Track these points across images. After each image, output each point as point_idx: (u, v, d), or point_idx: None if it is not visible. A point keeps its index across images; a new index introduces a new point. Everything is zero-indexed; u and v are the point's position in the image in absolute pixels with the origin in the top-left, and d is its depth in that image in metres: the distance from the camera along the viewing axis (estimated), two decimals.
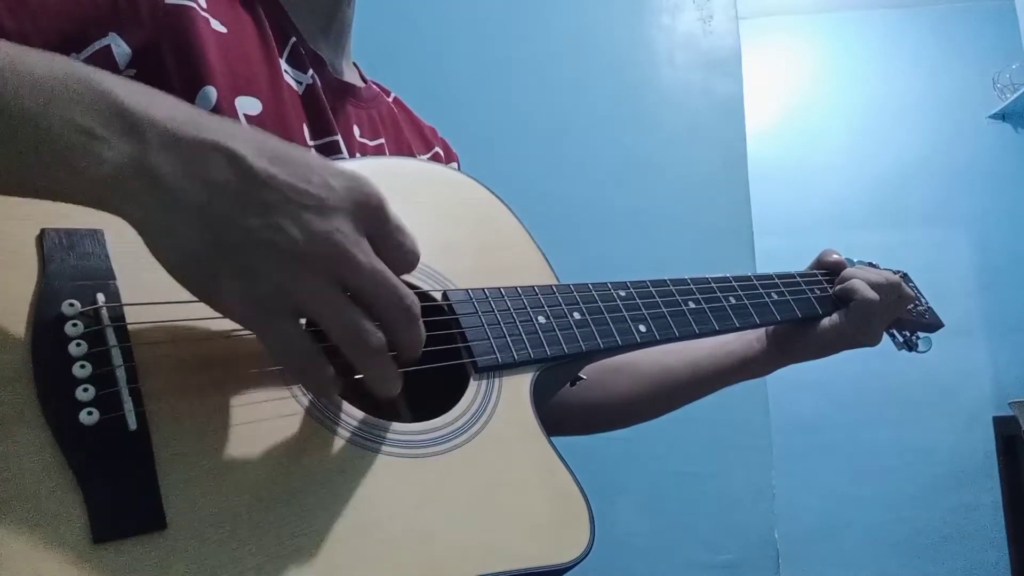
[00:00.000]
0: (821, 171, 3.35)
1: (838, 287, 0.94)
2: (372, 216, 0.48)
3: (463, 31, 1.84)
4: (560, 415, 0.89)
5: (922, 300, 1.06)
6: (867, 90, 3.41)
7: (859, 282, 0.93)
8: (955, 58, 3.37)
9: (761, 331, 0.96)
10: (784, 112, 3.42)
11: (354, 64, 0.89)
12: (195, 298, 0.46)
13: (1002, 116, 3.31)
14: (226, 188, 0.43)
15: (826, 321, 0.92)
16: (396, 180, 0.72)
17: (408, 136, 0.90)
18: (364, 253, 0.46)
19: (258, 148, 0.45)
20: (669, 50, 1.86)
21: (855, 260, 1.02)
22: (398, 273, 0.49)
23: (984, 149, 3.30)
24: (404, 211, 0.69)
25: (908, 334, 1.04)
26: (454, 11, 1.83)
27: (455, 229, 0.71)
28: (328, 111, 0.77)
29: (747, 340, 0.96)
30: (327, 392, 0.50)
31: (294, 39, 0.77)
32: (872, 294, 0.92)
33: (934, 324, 1.06)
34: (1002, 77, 3.25)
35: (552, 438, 0.63)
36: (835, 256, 0.98)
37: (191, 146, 0.43)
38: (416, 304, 0.49)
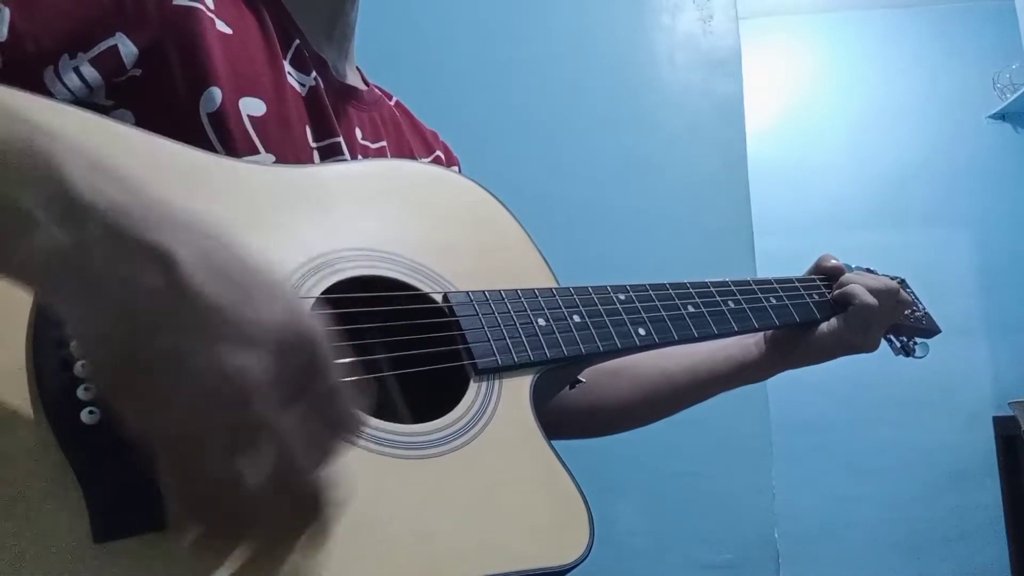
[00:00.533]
0: (821, 171, 3.35)
1: (836, 292, 0.95)
2: (302, 360, 0.42)
3: (463, 31, 1.84)
4: (559, 418, 0.88)
5: (919, 306, 1.07)
6: (867, 90, 3.41)
7: (858, 287, 0.93)
8: (955, 58, 3.37)
9: (760, 336, 0.96)
10: (784, 112, 3.42)
11: (357, 68, 0.89)
12: None
13: (1002, 116, 3.31)
14: (149, 299, 0.39)
15: (824, 326, 0.93)
16: (396, 182, 0.72)
17: (409, 139, 0.90)
18: (269, 406, 0.40)
19: (202, 258, 0.41)
20: (669, 50, 1.86)
21: (852, 265, 1.02)
22: (327, 429, 0.44)
23: (984, 149, 3.30)
24: (405, 212, 0.69)
25: (905, 339, 1.05)
26: (454, 11, 1.83)
27: (455, 231, 0.71)
28: (331, 113, 0.77)
29: (746, 345, 0.96)
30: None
31: (298, 41, 0.77)
32: (871, 299, 0.92)
33: (931, 330, 1.07)
34: (1002, 77, 3.25)
35: (551, 440, 0.63)
36: (833, 261, 0.98)
37: (130, 245, 0.39)
38: (323, 488, 0.43)
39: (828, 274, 0.98)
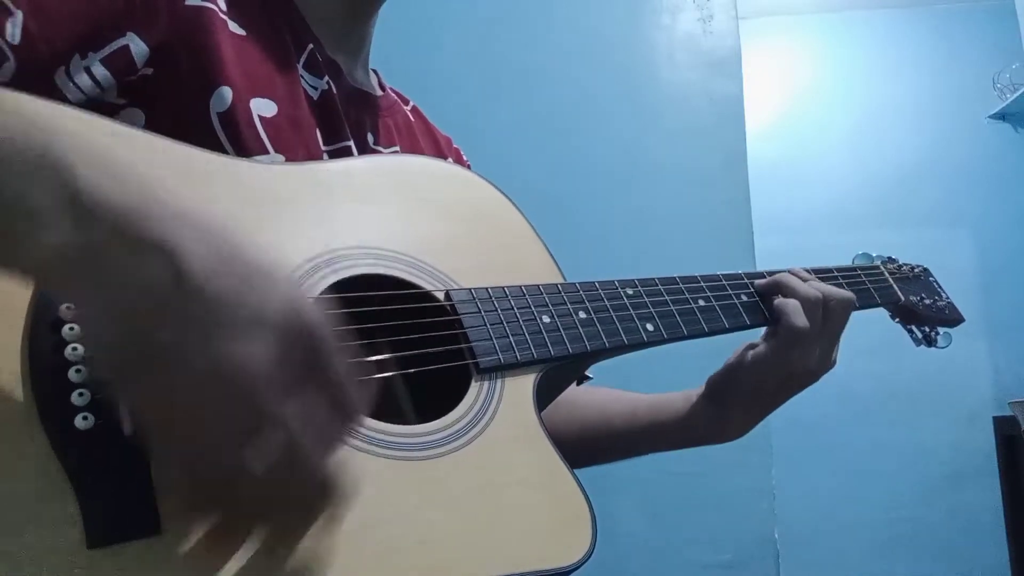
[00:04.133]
0: (821, 171, 3.35)
1: (775, 305, 0.81)
2: (305, 349, 0.43)
3: (463, 31, 1.84)
4: None
5: (943, 295, 1.05)
6: (867, 90, 3.42)
7: (789, 304, 0.79)
8: (955, 58, 3.38)
9: (700, 389, 0.86)
10: (784, 112, 3.42)
11: (373, 71, 0.88)
12: None
13: (1002, 116, 3.32)
14: (153, 292, 0.40)
15: (751, 355, 0.81)
16: (401, 178, 0.71)
17: (423, 145, 0.90)
18: (277, 390, 0.41)
19: (205, 253, 0.41)
20: (669, 50, 1.86)
21: (874, 255, 1.01)
22: (333, 415, 0.44)
23: (984, 149, 3.30)
24: (409, 208, 0.69)
25: (927, 329, 1.02)
26: (454, 11, 1.83)
27: (460, 227, 0.71)
28: (342, 118, 0.76)
29: (688, 394, 0.86)
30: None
31: (311, 46, 0.77)
32: (798, 323, 0.78)
33: (955, 319, 1.04)
34: (1002, 77, 3.25)
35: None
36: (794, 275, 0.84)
37: (136, 242, 0.40)
38: (331, 473, 0.44)
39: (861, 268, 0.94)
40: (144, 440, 0.43)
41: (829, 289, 0.82)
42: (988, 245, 3.23)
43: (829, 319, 0.81)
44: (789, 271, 0.85)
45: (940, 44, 3.41)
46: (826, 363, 0.82)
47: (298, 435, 0.42)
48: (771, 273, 0.85)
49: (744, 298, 0.82)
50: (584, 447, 0.86)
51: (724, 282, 0.82)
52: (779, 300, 0.81)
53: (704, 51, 1.85)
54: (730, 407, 0.83)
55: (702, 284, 0.81)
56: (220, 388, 0.40)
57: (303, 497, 0.44)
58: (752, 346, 0.82)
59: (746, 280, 0.84)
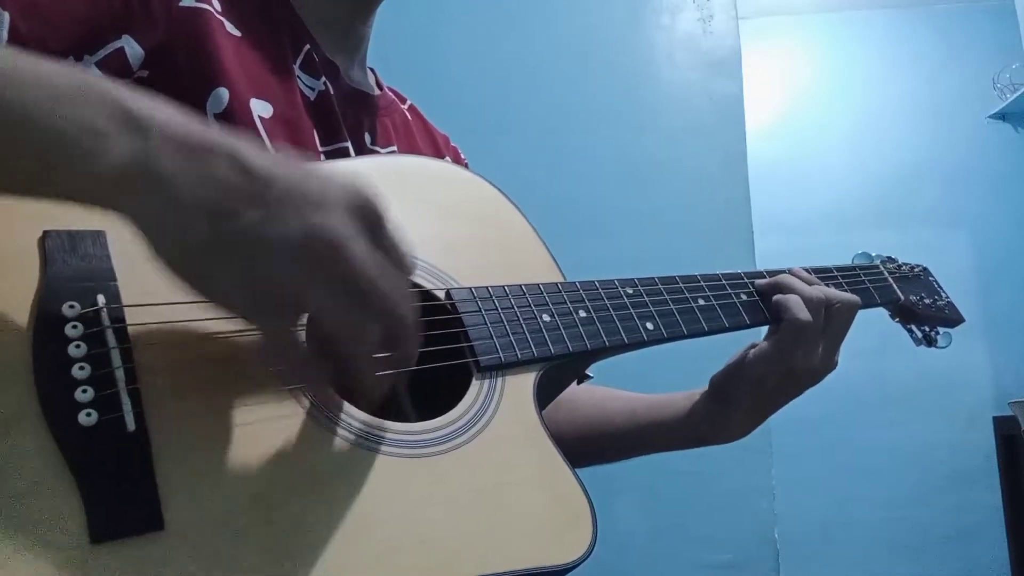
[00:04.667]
0: (821, 171, 3.35)
1: (773, 304, 0.81)
2: (369, 216, 0.48)
3: (463, 31, 1.84)
4: None
5: (943, 295, 1.04)
6: (867, 90, 3.42)
7: (793, 299, 0.79)
8: (955, 58, 3.38)
9: (702, 389, 0.85)
10: (784, 112, 3.42)
11: (371, 70, 0.88)
12: (196, 298, 0.45)
13: (1002, 116, 3.32)
14: (227, 184, 0.43)
15: (752, 354, 0.80)
16: (401, 177, 0.71)
17: (420, 144, 0.90)
18: (361, 250, 0.46)
19: (260, 152, 0.45)
20: (669, 50, 1.86)
21: (873, 255, 1.01)
22: (397, 268, 0.49)
23: (984, 149, 3.30)
24: (409, 209, 0.69)
25: (927, 329, 1.02)
26: (454, 11, 1.83)
27: (460, 227, 0.71)
28: (339, 118, 0.77)
29: (690, 394, 0.86)
30: (320, 389, 0.52)
31: (308, 46, 0.77)
32: (800, 317, 0.78)
33: (955, 319, 1.03)
34: (1002, 77, 3.25)
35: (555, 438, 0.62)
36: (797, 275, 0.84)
37: (195, 145, 0.44)
38: (408, 311, 0.49)
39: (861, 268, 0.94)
40: (256, 324, 0.47)
41: (833, 292, 0.82)
42: (987, 245, 3.23)
43: (832, 320, 0.81)
44: (789, 271, 0.85)
45: (940, 44, 3.41)
46: (828, 363, 0.82)
47: (383, 285, 0.47)
48: (771, 272, 0.85)
49: (744, 297, 0.82)
50: (585, 446, 0.85)
51: (724, 281, 0.82)
52: (780, 296, 0.80)
53: (704, 51, 1.86)
54: (732, 406, 0.82)
55: (702, 283, 0.81)
56: (311, 257, 0.44)
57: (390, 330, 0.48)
58: (755, 345, 0.81)
59: (746, 279, 0.84)
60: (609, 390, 0.92)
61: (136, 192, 0.43)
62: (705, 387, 0.85)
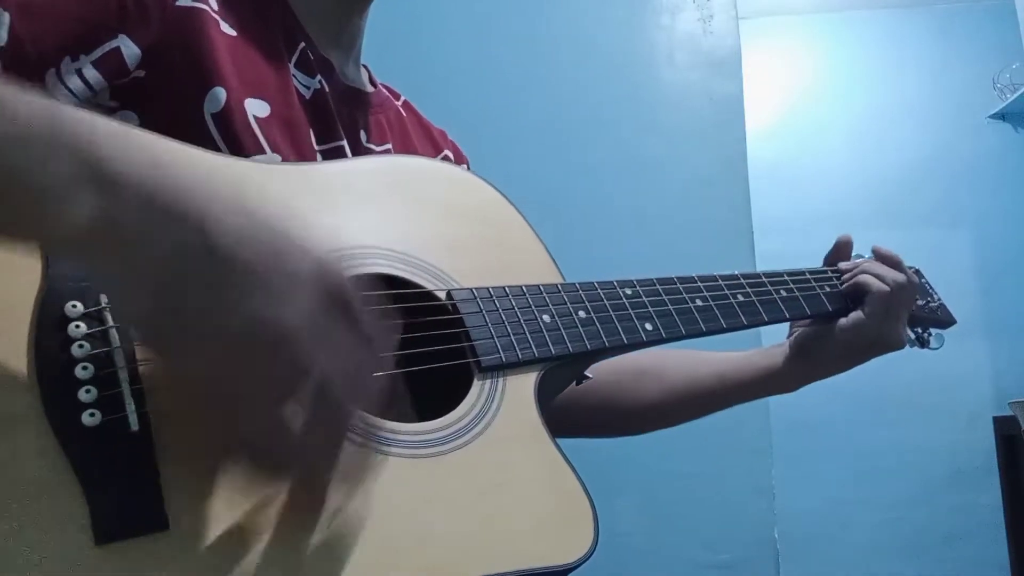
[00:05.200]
0: (821, 171, 3.35)
1: (848, 283, 0.91)
2: (336, 304, 0.45)
3: (462, 31, 1.84)
4: (573, 416, 0.88)
5: (935, 296, 1.05)
6: (867, 90, 3.41)
7: (868, 276, 0.90)
8: (955, 58, 3.37)
9: (785, 345, 0.94)
10: (784, 112, 3.42)
11: (364, 67, 0.88)
12: None
13: (1002, 116, 3.31)
14: (186, 259, 0.41)
15: (843, 323, 0.89)
16: (401, 178, 0.71)
17: (416, 140, 0.90)
18: (311, 348, 0.42)
19: (234, 220, 0.43)
20: (669, 50, 1.86)
21: (867, 256, 1.01)
22: (362, 374, 0.46)
23: (984, 149, 3.30)
24: (409, 209, 0.69)
25: (920, 331, 1.02)
26: (454, 11, 1.83)
27: (460, 228, 0.71)
28: (335, 116, 0.76)
29: (771, 353, 0.95)
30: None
31: (303, 44, 0.77)
32: (883, 286, 0.89)
33: (947, 320, 1.04)
34: (1002, 77, 3.25)
35: (561, 439, 0.62)
36: (845, 250, 0.96)
37: (164, 210, 0.41)
38: (342, 429, 0.45)
39: (839, 263, 0.96)
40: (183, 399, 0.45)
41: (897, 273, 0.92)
42: (988, 245, 3.23)
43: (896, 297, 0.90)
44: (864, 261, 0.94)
45: (940, 44, 3.41)
46: (900, 335, 0.92)
47: (334, 387, 0.43)
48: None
49: (740, 298, 0.83)
50: (675, 409, 0.96)
51: (720, 282, 0.84)
52: (862, 276, 0.90)
53: (704, 51, 1.85)
54: (814, 361, 0.92)
55: (699, 284, 0.82)
56: (258, 346, 0.41)
57: (336, 451, 0.45)
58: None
59: (742, 280, 0.85)
60: (688, 353, 0.97)
61: (98, 251, 0.41)
62: (780, 344, 0.95)
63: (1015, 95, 3.17)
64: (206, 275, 0.41)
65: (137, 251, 0.41)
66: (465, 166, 0.96)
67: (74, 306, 0.47)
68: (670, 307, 0.77)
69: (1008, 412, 2.91)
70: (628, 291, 0.76)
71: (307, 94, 0.75)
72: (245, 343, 0.41)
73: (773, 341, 0.98)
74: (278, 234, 0.44)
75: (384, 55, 0.95)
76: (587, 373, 0.87)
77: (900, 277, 0.90)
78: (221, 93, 0.65)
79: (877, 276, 0.90)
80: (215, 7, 0.68)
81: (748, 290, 0.85)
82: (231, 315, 0.41)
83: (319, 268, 0.44)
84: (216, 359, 0.42)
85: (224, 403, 0.44)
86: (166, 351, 0.43)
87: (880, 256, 0.93)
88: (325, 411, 0.43)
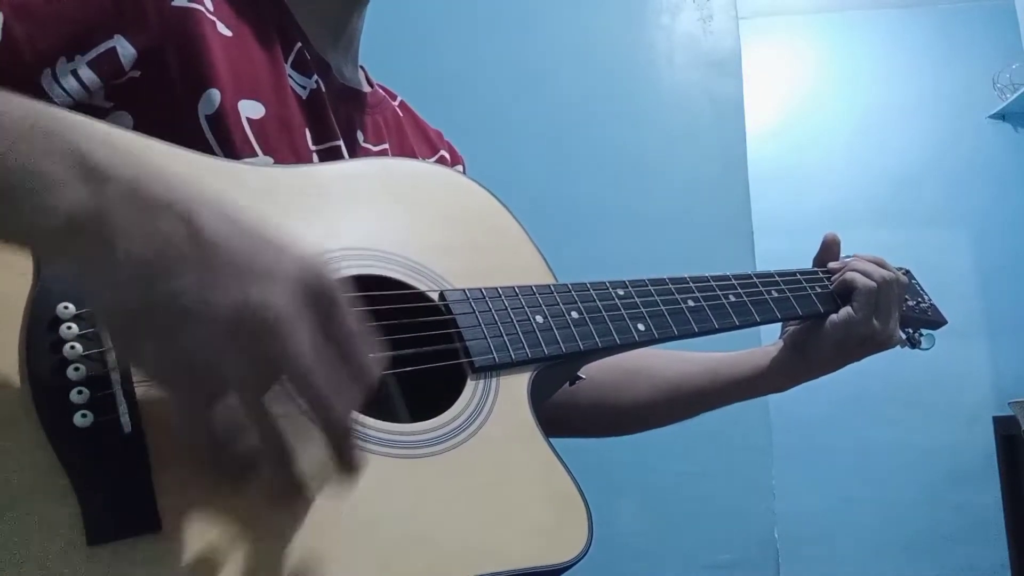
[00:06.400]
0: (821, 172, 3.35)
1: (836, 282, 0.92)
2: (320, 300, 0.44)
3: (462, 31, 1.84)
4: (566, 415, 0.89)
5: (925, 297, 1.05)
6: (867, 90, 3.41)
7: (855, 273, 0.91)
8: (955, 58, 3.37)
9: (780, 343, 0.95)
10: (784, 112, 3.42)
11: (361, 67, 0.89)
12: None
13: (1002, 116, 3.31)
14: (170, 246, 0.41)
15: (834, 318, 0.90)
16: (394, 180, 0.72)
17: (412, 141, 0.90)
18: (300, 334, 0.42)
19: (217, 213, 0.43)
20: (669, 50, 1.86)
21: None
22: (348, 366, 0.45)
23: (984, 149, 3.30)
24: (402, 211, 0.69)
25: (911, 331, 1.02)
26: (453, 11, 1.83)
27: (453, 230, 0.71)
28: (331, 117, 0.76)
29: (763, 353, 0.95)
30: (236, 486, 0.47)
31: (300, 44, 0.77)
32: (870, 283, 0.90)
33: (938, 321, 1.05)
34: (1002, 77, 3.25)
35: (555, 438, 0.62)
36: (832, 246, 0.98)
37: (151, 201, 0.42)
38: (345, 414, 0.44)
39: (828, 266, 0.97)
40: (164, 390, 0.44)
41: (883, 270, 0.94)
42: (988, 245, 3.23)
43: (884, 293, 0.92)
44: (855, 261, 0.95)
45: (940, 44, 3.41)
46: (892, 334, 0.93)
47: (317, 377, 0.42)
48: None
49: (732, 299, 0.84)
50: (666, 409, 0.96)
51: (712, 283, 0.84)
52: (849, 274, 0.91)
53: (704, 51, 1.86)
54: (808, 358, 0.92)
55: (691, 285, 0.82)
56: (242, 333, 0.41)
57: (318, 449, 0.45)
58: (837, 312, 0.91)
59: (733, 281, 0.86)
60: (681, 353, 0.97)
61: (82, 244, 0.41)
62: (773, 344, 0.96)
63: (1015, 95, 3.17)
64: (192, 260, 0.41)
65: (122, 240, 0.41)
66: (461, 167, 0.96)
67: (66, 307, 0.47)
68: (662, 307, 0.77)
69: (1008, 412, 2.90)
70: (620, 292, 0.76)
71: (303, 94, 0.75)
72: (230, 328, 0.41)
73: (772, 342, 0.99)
74: (260, 232, 0.45)
75: (382, 55, 0.95)
76: (580, 374, 0.87)
77: (887, 273, 0.91)
78: (216, 95, 0.65)
79: (863, 272, 0.91)
80: (211, 8, 0.68)
81: (740, 291, 0.85)
82: (221, 292, 0.41)
83: (301, 263, 0.44)
84: (200, 346, 0.41)
85: (208, 391, 0.43)
86: (147, 343, 0.42)
87: (863, 257, 0.95)
88: (308, 401, 0.43)
